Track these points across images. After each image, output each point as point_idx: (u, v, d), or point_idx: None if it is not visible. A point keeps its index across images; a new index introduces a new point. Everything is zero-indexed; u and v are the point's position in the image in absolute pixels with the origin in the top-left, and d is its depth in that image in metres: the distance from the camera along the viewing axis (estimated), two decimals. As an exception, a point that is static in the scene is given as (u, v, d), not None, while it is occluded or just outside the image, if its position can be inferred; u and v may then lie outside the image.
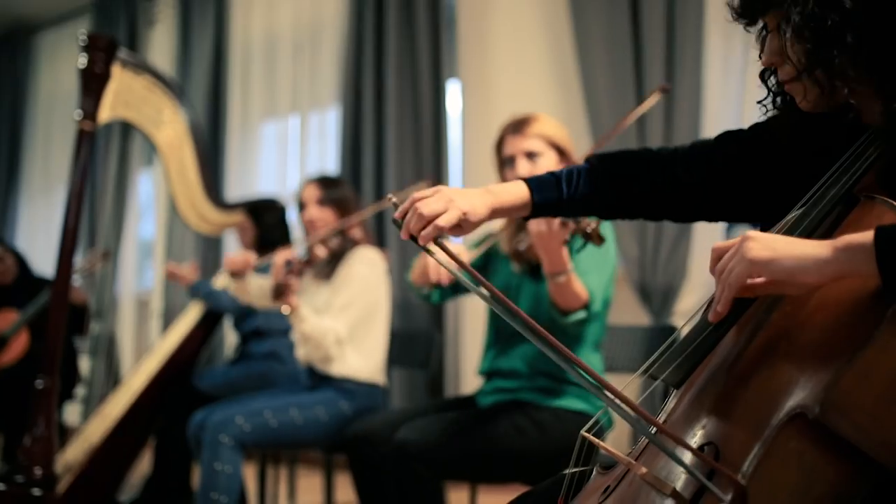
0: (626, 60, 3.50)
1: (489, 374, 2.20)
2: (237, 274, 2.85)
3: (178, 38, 5.41)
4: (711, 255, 1.04)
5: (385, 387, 2.81)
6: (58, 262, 2.90)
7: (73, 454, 3.05)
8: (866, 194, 1.03)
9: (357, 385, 2.67)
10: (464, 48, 4.24)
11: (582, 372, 1.00)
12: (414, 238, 1.25)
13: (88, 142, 2.92)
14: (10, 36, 6.73)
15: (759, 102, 1.28)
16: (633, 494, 1.02)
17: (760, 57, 1.19)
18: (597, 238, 1.69)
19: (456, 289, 2.28)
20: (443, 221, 1.24)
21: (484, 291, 1.18)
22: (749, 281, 0.97)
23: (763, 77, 1.26)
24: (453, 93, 4.23)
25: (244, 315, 3.46)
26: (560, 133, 2.15)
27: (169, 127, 3.21)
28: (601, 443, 1.05)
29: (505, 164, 2.17)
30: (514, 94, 3.93)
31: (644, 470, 0.99)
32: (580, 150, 3.53)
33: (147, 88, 3.11)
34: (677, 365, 1.04)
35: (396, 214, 1.28)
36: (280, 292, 2.50)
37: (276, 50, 5.01)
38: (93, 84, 2.93)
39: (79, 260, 4.08)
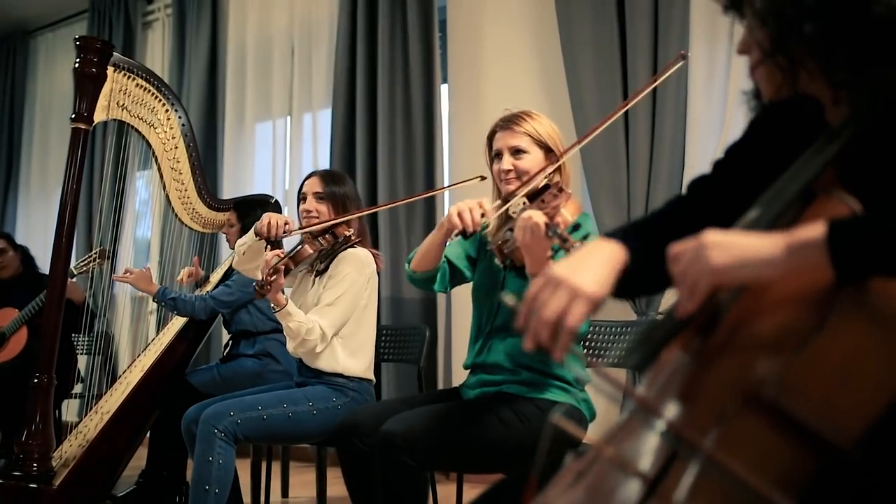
0: (613, 64, 3.56)
1: (474, 367, 2.24)
2: (273, 236, 2.73)
3: (173, 40, 5.45)
4: (668, 257, 1.03)
5: (375, 383, 2.84)
6: (52, 260, 2.95)
7: (69, 449, 3.09)
8: (824, 190, 1.07)
9: (347, 381, 2.71)
10: (454, 52, 4.29)
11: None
12: (544, 348, 1.07)
13: (83, 142, 2.98)
14: (7, 38, 6.77)
15: (744, 93, 1.29)
16: (601, 476, 1.06)
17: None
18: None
19: (477, 248, 2.32)
20: (575, 321, 1.06)
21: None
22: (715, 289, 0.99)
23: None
24: (445, 96, 4.27)
25: (230, 316, 3.50)
26: (548, 131, 2.20)
27: (162, 127, 3.25)
28: (569, 427, 1.08)
29: (493, 157, 2.25)
30: (502, 98, 3.98)
31: (611, 451, 1.03)
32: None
33: (141, 89, 3.16)
34: (638, 351, 1.08)
35: (519, 321, 1.10)
36: (261, 290, 2.53)
37: (270, 52, 5.06)
38: (87, 85, 2.99)
39: (76, 259, 4.12)
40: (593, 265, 1.12)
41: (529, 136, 2.18)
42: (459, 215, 2.00)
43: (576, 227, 1.90)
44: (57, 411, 4.19)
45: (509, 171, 2.17)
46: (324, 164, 4.64)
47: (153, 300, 3.51)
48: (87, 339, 4.52)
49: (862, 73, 1.06)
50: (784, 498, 0.85)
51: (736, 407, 0.93)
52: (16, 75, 6.68)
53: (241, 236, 3.28)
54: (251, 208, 3.47)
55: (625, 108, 2.42)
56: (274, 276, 2.54)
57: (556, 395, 2.09)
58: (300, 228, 2.81)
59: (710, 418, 0.95)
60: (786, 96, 1.16)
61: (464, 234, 2.00)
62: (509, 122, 2.21)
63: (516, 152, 2.17)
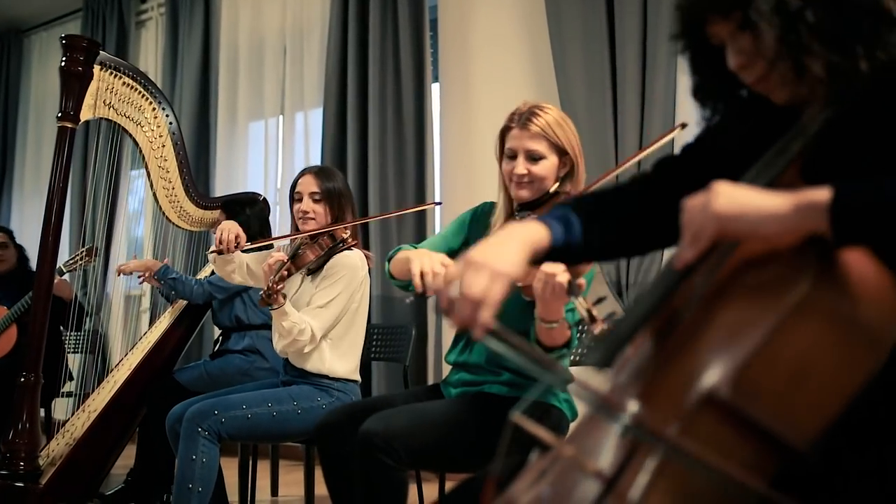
0: (602, 61, 3.56)
1: (455, 365, 2.24)
2: (226, 251, 2.77)
3: (166, 39, 5.45)
4: (683, 209, 1.05)
5: (361, 383, 2.84)
6: (39, 259, 2.95)
7: (56, 448, 3.09)
8: (786, 186, 1.07)
9: (333, 381, 2.71)
10: (444, 51, 4.29)
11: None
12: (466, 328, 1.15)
13: (69, 140, 2.98)
14: (1, 37, 6.77)
15: (698, 122, 1.31)
16: (562, 475, 1.06)
17: (695, 79, 1.25)
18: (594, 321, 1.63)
19: None
20: (494, 298, 1.15)
21: (536, 366, 1.14)
22: (720, 236, 1.00)
23: (697, 96, 1.29)
24: (436, 95, 4.28)
25: (220, 306, 3.50)
26: (567, 134, 2.10)
27: (150, 126, 3.25)
28: (528, 424, 1.08)
29: (506, 154, 2.12)
30: (493, 96, 3.99)
31: (570, 451, 1.03)
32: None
33: (128, 88, 3.16)
34: (599, 348, 1.08)
35: (441, 305, 1.20)
36: (268, 299, 2.52)
37: (262, 52, 5.06)
38: (73, 84, 2.99)
39: (65, 257, 4.13)
40: (508, 248, 1.22)
41: (548, 139, 2.06)
42: (422, 276, 1.85)
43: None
44: (44, 409, 4.21)
45: (523, 175, 2.06)
46: (315, 162, 4.64)
47: (154, 277, 3.50)
48: (79, 336, 4.52)
49: (869, 48, 1.06)
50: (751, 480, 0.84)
51: (693, 406, 0.93)
52: (10, 74, 6.69)
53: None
54: (240, 208, 3.46)
55: (615, 172, 2.35)
56: (280, 286, 2.53)
57: (539, 396, 2.08)
58: (262, 239, 2.79)
59: (668, 416, 0.95)
60: (801, 98, 1.14)
61: (421, 295, 1.94)
62: (528, 120, 2.07)
63: (532, 157, 2.07)
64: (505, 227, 1.30)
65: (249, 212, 3.46)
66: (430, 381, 4.03)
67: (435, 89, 4.28)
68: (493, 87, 4.08)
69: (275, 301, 2.53)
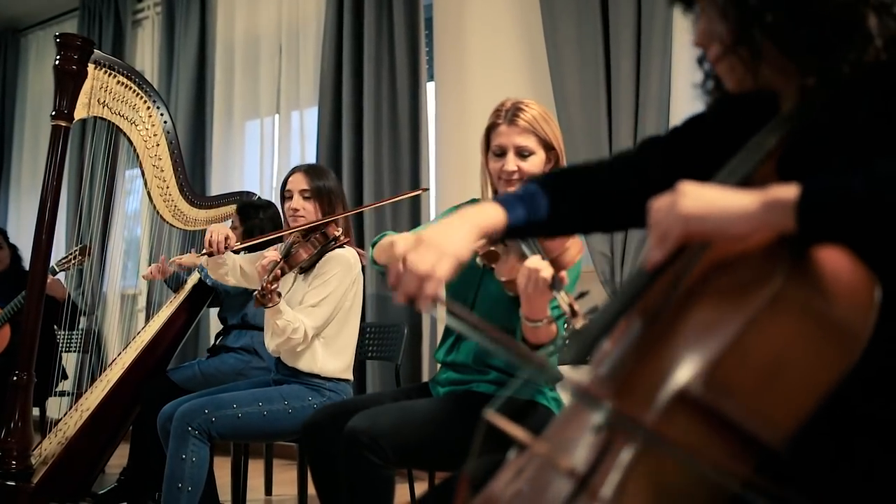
0: (596, 62, 3.56)
1: (444, 364, 2.23)
2: (216, 253, 2.77)
3: (163, 38, 5.45)
4: (648, 211, 1.05)
5: (353, 382, 2.84)
6: (32, 258, 2.95)
7: (48, 447, 3.09)
8: (760, 183, 1.06)
9: (325, 380, 2.71)
10: (440, 50, 4.29)
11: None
12: (412, 300, 1.20)
13: (63, 139, 2.98)
14: (-2, 36, 6.78)
15: (695, 86, 1.30)
16: (537, 474, 1.05)
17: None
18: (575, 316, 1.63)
19: None
20: (440, 274, 1.20)
21: (490, 342, 1.15)
22: (686, 236, 0.99)
23: (701, 62, 1.30)
24: (431, 94, 4.28)
25: (232, 301, 3.49)
26: (553, 129, 2.11)
27: (144, 125, 3.25)
28: (501, 422, 1.08)
29: (493, 151, 2.11)
30: (488, 95, 3.98)
31: (543, 448, 1.03)
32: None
33: (122, 87, 3.15)
34: (573, 345, 1.07)
35: (390, 280, 1.24)
36: (263, 299, 2.52)
37: (258, 51, 5.06)
38: (67, 82, 2.98)
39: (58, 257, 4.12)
40: (458, 229, 1.26)
41: (536, 134, 2.06)
42: None
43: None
44: (38, 408, 4.20)
45: (513, 172, 2.05)
46: (311, 161, 4.63)
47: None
48: (73, 335, 4.52)
49: (827, 57, 1.06)
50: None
51: (666, 404, 0.93)
52: (6, 73, 6.69)
53: (243, 239, 3.26)
54: (254, 211, 3.46)
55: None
56: (275, 285, 2.53)
57: (526, 394, 2.08)
58: (251, 239, 2.79)
59: (642, 415, 0.95)
60: (748, 88, 1.17)
61: None
62: (514, 115, 2.06)
63: (522, 153, 2.07)
64: (460, 210, 1.31)
65: (263, 215, 3.46)
66: (425, 379, 4.02)
67: (430, 88, 4.27)
68: (488, 86, 4.08)
69: (270, 301, 2.53)
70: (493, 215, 1.30)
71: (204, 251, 2.79)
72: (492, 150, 2.11)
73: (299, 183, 2.80)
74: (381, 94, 4.25)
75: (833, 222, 0.90)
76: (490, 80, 4.09)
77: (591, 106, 3.54)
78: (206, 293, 3.58)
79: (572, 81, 3.62)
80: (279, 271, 2.55)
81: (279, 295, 2.56)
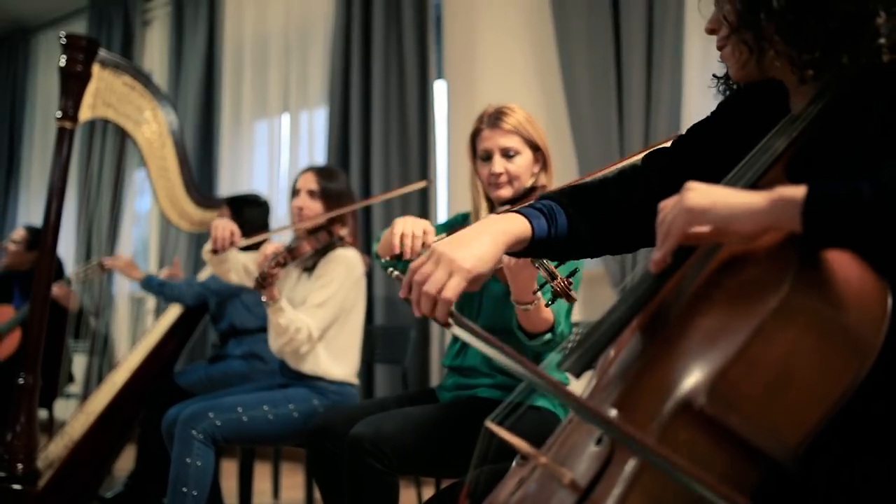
0: (607, 59, 3.52)
1: (451, 369, 2.21)
2: (221, 249, 2.77)
3: (171, 38, 5.45)
4: (658, 212, 1.03)
5: (359, 386, 2.81)
6: (38, 259, 2.94)
7: (54, 450, 3.08)
8: (768, 186, 1.03)
9: (329, 384, 2.68)
10: (449, 49, 4.27)
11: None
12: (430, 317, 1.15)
13: (69, 141, 2.96)
14: (7, 37, 6.80)
15: (714, 76, 1.31)
16: (538, 485, 1.03)
17: None
18: (567, 297, 1.62)
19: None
20: (450, 293, 1.13)
21: (503, 357, 1.09)
22: (689, 230, 0.97)
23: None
24: (439, 93, 4.25)
25: (217, 311, 3.49)
26: (537, 129, 2.13)
27: (150, 125, 3.24)
28: (502, 432, 1.06)
29: (480, 157, 2.14)
30: (499, 94, 3.95)
31: (545, 460, 1.00)
32: (562, 147, 3.56)
33: (128, 87, 3.14)
34: (575, 355, 1.05)
35: (402, 293, 1.19)
36: (262, 283, 2.51)
37: (266, 50, 5.05)
38: (72, 84, 2.96)
39: (75, 264, 4.12)
40: (476, 242, 1.17)
41: (520, 135, 2.08)
42: (402, 238, 1.86)
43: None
44: (47, 411, 4.20)
45: (500, 174, 2.07)
46: (319, 161, 4.63)
47: (141, 287, 3.51)
48: (85, 339, 4.52)
49: (830, 50, 1.05)
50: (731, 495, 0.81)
51: (670, 415, 0.90)
52: (16, 74, 6.71)
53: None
54: (244, 205, 3.45)
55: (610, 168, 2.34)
56: (276, 270, 2.52)
57: (533, 400, 2.05)
58: (258, 234, 2.79)
59: (644, 426, 0.92)
60: (753, 76, 1.16)
61: (398, 257, 1.92)
62: (497, 119, 2.09)
63: (507, 154, 2.08)
64: (482, 220, 1.25)
65: (253, 210, 3.44)
66: (433, 384, 4.00)
67: (438, 87, 4.25)
68: (499, 84, 4.05)
69: (268, 286, 2.51)
70: (519, 225, 1.23)
71: (209, 248, 2.78)
72: (479, 155, 2.14)
73: (308, 182, 2.81)
74: (390, 94, 4.23)
75: (839, 225, 0.87)
76: (500, 77, 4.06)
77: (602, 105, 3.51)
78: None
79: (583, 80, 3.59)
80: (281, 259, 2.54)
81: (278, 290, 2.55)
